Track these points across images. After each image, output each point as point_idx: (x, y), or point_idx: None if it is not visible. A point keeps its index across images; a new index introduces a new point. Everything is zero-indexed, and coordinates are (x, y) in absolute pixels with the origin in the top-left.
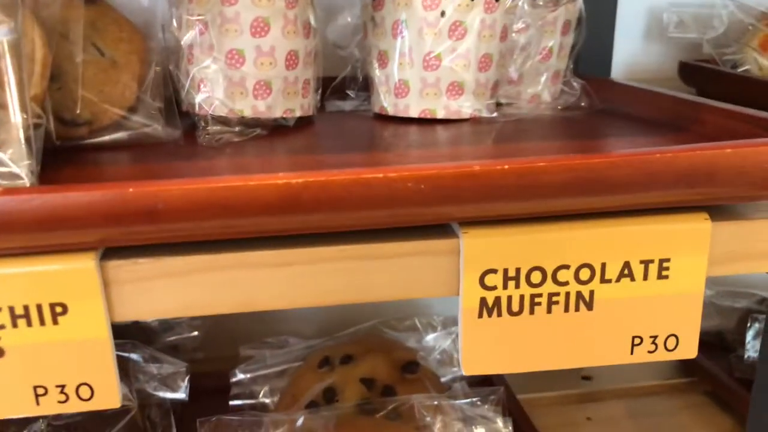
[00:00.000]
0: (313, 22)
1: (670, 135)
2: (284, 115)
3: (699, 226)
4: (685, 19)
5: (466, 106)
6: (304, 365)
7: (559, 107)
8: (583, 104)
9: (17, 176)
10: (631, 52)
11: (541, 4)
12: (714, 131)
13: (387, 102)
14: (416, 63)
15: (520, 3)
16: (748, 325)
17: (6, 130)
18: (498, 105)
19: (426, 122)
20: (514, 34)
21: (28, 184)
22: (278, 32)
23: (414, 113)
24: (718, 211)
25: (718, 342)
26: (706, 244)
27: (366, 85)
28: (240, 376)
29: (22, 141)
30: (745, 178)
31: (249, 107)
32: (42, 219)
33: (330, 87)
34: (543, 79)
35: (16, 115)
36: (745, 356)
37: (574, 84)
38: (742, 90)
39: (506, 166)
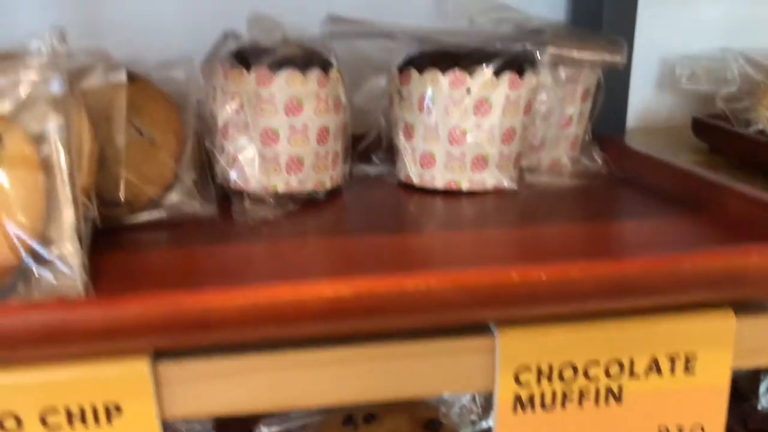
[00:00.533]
0: (343, 98)
1: (692, 216)
2: (315, 189)
3: (724, 322)
4: (698, 71)
5: (489, 179)
6: (327, 422)
7: (578, 176)
8: (601, 171)
9: (70, 276)
10: (645, 101)
11: (563, 76)
12: (736, 217)
13: (413, 172)
14: (442, 137)
15: (542, 77)
16: (762, 377)
17: (57, 227)
18: (519, 169)
19: (451, 193)
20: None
21: (80, 285)
22: (311, 111)
23: (439, 185)
24: (743, 306)
25: (731, 391)
26: (731, 339)
27: (390, 150)
28: (264, 430)
29: (74, 238)
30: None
31: (282, 183)
32: (97, 330)
33: (356, 149)
34: (563, 145)
35: (67, 212)
36: (759, 407)
37: (594, 153)
38: (755, 151)
39: (543, 276)
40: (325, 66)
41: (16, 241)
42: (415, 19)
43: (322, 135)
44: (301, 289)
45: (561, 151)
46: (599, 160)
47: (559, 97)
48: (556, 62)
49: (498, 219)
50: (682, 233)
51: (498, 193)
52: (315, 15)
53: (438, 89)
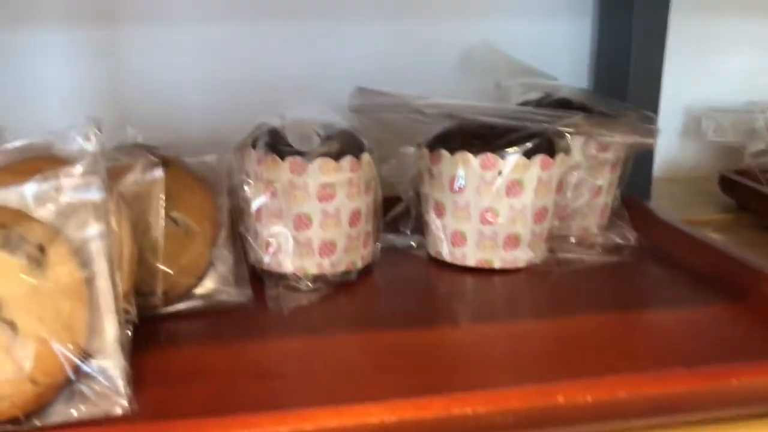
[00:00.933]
0: (374, 180)
1: (732, 306)
2: (347, 269)
3: None
4: (724, 124)
5: (522, 257)
6: None
7: (608, 251)
8: (631, 243)
9: (114, 391)
10: (671, 151)
11: (594, 151)
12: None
13: (444, 249)
14: (473, 217)
15: (574, 155)
16: None
17: (100, 339)
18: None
19: (482, 271)
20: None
21: (124, 400)
22: (343, 196)
23: (471, 262)
24: None
25: None
26: None
27: (419, 221)
28: None
29: (117, 351)
30: None
31: (314, 265)
32: None
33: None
34: (592, 214)
35: (109, 324)
36: None
37: (623, 224)
38: None
39: (589, 398)
40: (357, 150)
41: (61, 357)
42: (442, 82)
43: (354, 218)
44: (346, 413)
45: (590, 220)
46: (629, 235)
47: (590, 171)
48: (587, 141)
49: (532, 305)
50: (723, 329)
51: (530, 270)
52: (340, 82)
53: (469, 170)
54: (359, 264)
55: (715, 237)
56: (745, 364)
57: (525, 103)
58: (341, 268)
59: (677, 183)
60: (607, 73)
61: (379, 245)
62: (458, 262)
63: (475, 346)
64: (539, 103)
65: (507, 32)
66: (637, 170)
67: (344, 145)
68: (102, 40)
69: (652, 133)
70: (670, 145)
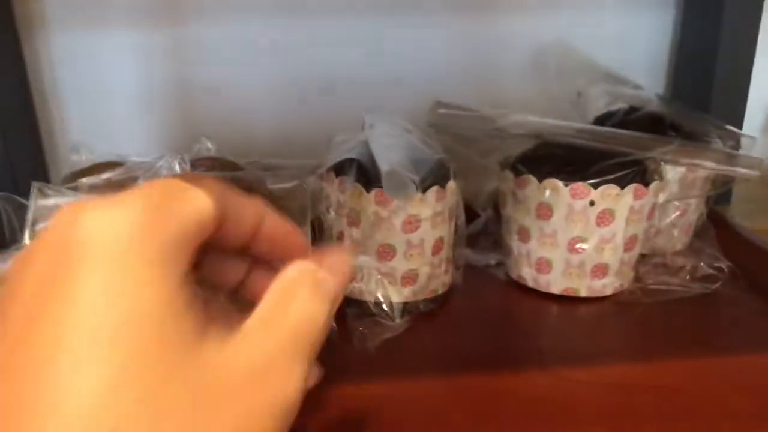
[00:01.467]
0: (458, 205)
1: None
2: (428, 297)
3: None
4: None
5: (609, 285)
6: None
7: (694, 277)
8: (718, 266)
9: None
10: (751, 150)
11: (685, 170)
12: None
13: (527, 275)
14: (561, 245)
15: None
16: None
17: None
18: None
19: (567, 298)
20: None
21: None
22: (428, 226)
23: (555, 290)
24: None
25: None
26: None
27: (498, 241)
28: None
29: None
30: None
31: (398, 294)
32: None
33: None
34: (677, 232)
35: None
36: None
37: (709, 245)
38: None
39: None
40: (443, 180)
41: None
42: (514, 82)
43: (438, 246)
44: None
45: (675, 239)
46: (718, 260)
47: (680, 190)
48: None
49: (621, 342)
50: None
51: (616, 299)
52: (411, 81)
53: (558, 198)
54: (441, 290)
55: None
56: None
57: (609, 115)
58: (423, 296)
59: (759, 185)
60: (689, 74)
61: (460, 270)
62: (542, 288)
63: (565, 393)
64: (626, 119)
65: (580, 26)
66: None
67: (430, 172)
68: (169, 42)
69: (756, 165)
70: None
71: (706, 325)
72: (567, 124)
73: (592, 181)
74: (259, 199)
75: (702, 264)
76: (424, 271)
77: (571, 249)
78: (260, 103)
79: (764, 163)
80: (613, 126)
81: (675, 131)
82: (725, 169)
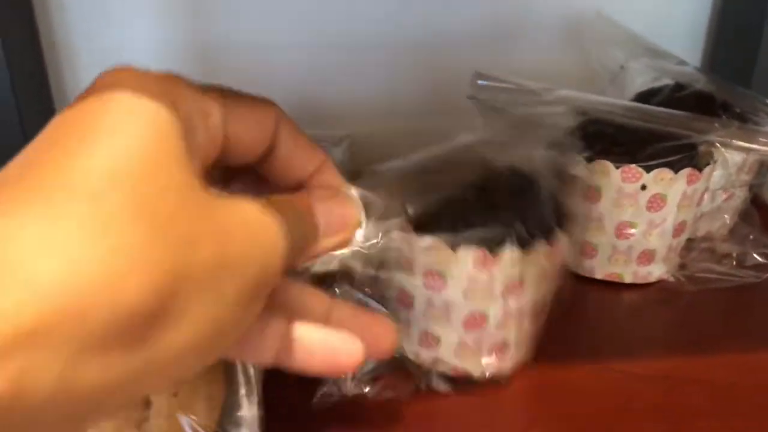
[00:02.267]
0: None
1: None
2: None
3: None
4: None
5: (654, 272)
6: None
7: (741, 264)
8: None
9: None
10: None
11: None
12: None
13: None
14: (608, 230)
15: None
16: None
17: (234, 415)
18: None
19: (610, 284)
20: None
21: None
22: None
23: (599, 276)
24: None
25: None
26: None
27: None
28: None
29: (254, 425)
30: None
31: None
32: None
33: None
34: (722, 216)
35: (246, 398)
36: None
37: (755, 232)
38: None
39: None
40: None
41: None
42: (552, 62)
43: None
44: None
45: (719, 222)
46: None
47: (729, 173)
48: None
49: (669, 335)
50: None
51: (660, 287)
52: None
53: (608, 181)
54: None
55: None
56: None
57: (654, 92)
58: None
59: None
60: (731, 47)
61: None
62: (585, 273)
63: (608, 384)
64: (673, 97)
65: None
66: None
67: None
68: (189, 2)
69: None
70: None
71: (755, 316)
72: (615, 101)
73: (644, 164)
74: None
75: (750, 251)
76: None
77: (619, 234)
78: (283, 69)
79: None
80: (659, 104)
81: (725, 111)
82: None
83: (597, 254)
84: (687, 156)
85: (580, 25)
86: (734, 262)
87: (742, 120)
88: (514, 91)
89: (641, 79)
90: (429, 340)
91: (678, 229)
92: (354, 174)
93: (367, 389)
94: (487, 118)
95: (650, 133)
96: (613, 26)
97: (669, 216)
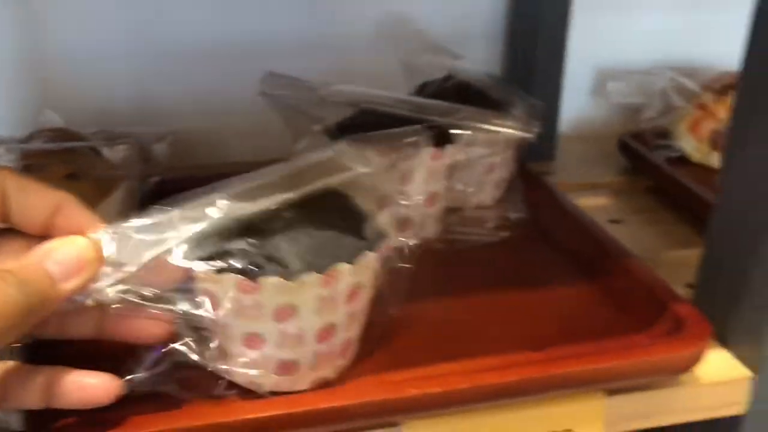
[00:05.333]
0: None
1: (590, 285)
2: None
3: (595, 402)
4: (628, 86)
5: (413, 237)
6: None
7: (499, 227)
8: (523, 219)
9: None
10: (581, 109)
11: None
12: (625, 293)
13: None
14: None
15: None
16: None
17: None
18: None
19: None
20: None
21: None
22: None
23: None
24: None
25: None
26: (601, 414)
27: None
28: None
29: None
30: (637, 378)
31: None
32: None
33: None
34: (488, 188)
35: None
36: None
37: (517, 198)
38: (663, 181)
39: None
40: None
41: None
42: (368, 63)
43: None
44: None
45: (486, 194)
46: (519, 211)
47: (484, 148)
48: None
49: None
50: (583, 312)
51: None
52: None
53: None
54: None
55: (606, 201)
56: (567, 361)
57: (426, 84)
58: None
59: (585, 142)
60: (519, 35)
61: None
62: None
63: None
64: (440, 86)
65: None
66: (543, 131)
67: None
68: (20, 9)
69: (532, 129)
70: (581, 105)
71: (489, 269)
72: (383, 93)
73: (392, 144)
74: (61, 191)
75: (503, 215)
76: None
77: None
78: (119, 75)
79: (538, 125)
80: (428, 94)
81: (481, 98)
82: (504, 131)
83: None
84: (429, 136)
85: (383, 28)
86: (491, 225)
87: (495, 106)
88: (299, 87)
89: (424, 73)
90: (223, 354)
91: (430, 199)
92: None
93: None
94: (278, 114)
95: (404, 119)
96: (406, 28)
97: (418, 189)
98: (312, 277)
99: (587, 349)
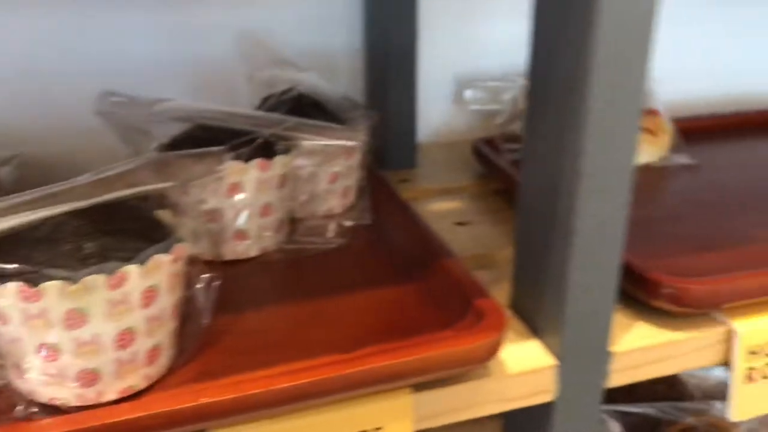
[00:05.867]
0: None
1: (420, 285)
2: None
3: (403, 398)
4: (485, 93)
5: (251, 248)
6: None
7: (341, 234)
8: (367, 225)
9: None
10: (442, 117)
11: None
12: (440, 292)
13: None
14: (201, 216)
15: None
16: None
17: None
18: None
19: (214, 263)
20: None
21: None
22: None
23: (208, 257)
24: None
25: None
26: (410, 410)
27: None
28: None
29: None
30: (438, 371)
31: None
32: None
33: None
34: (333, 197)
35: None
36: None
37: (363, 205)
38: (511, 179)
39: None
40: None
41: None
42: (226, 81)
43: None
44: None
45: (333, 203)
46: (364, 217)
47: (324, 159)
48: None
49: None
50: (402, 309)
51: (260, 260)
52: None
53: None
54: None
55: (459, 205)
56: (363, 361)
57: (268, 98)
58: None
59: (446, 149)
60: (374, 51)
61: None
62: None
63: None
64: (279, 99)
65: (282, 17)
66: (401, 139)
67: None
68: None
69: (356, 137)
70: (443, 113)
71: (322, 274)
72: (217, 108)
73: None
74: None
75: (346, 222)
76: None
77: (211, 219)
78: None
79: (364, 134)
80: (268, 108)
81: (317, 110)
82: (330, 142)
83: (198, 239)
84: (258, 148)
85: (238, 46)
86: (333, 234)
87: (333, 118)
88: (134, 105)
89: (267, 87)
90: (20, 371)
91: (264, 210)
92: None
93: None
94: (114, 133)
95: (235, 132)
96: (257, 44)
97: (250, 200)
98: (97, 279)
99: (392, 347)
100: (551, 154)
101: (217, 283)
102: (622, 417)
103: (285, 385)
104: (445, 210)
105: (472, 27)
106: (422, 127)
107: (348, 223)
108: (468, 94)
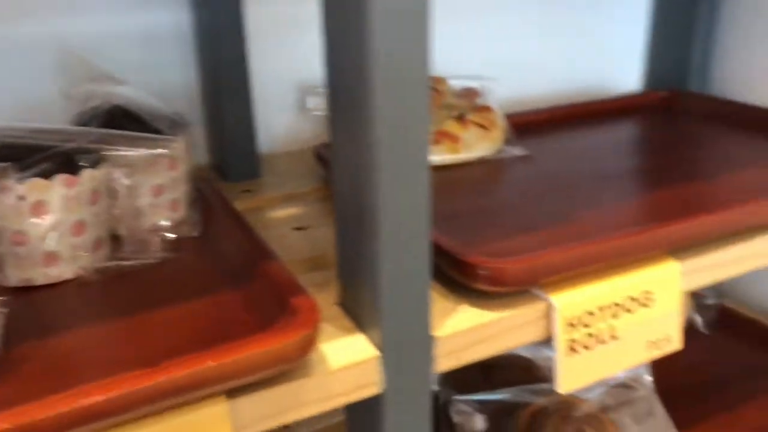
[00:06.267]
0: None
1: (237, 294)
2: None
3: (217, 406)
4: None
5: (65, 271)
6: None
7: (168, 248)
8: (197, 236)
9: None
10: (290, 125)
11: (143, 152)
12: (267, 296)
13: None
14: (5, 240)
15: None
16: None
17: None
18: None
19: (27, 289)
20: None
21: None
22: None
23: (14, 283)
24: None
25: None
26: (227, 418)
27: None
28: None
29: None
30: (248, 374)
31: None
32: None
33: None
34: (161, 211)
35: None
36: None
37: (193, 216)
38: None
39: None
40: None
41: None
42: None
43: None
44: None
45: (160, 217)
46: (191, 229)
47: (143, 172)
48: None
49: (83, 319)
50: (216, 321)
51: (77, 282)
52: None
53: None
54: None
55: (301, 210)
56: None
57: (82, 113)
58: None
59: (293, 157)
60: (206, 58)
61: None
62: (3, 284)
63: None
64: (93, 112)
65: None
66: (241, 151)
67: None
68: None
69: (170, 146)
70: (289, 122)
71: (143, 289)
72: (18, 125)
73: (17, 176)
74: None
75: (170, 236)
76: None
77: (15, 243)
78: None
79: (181, 144)
80: (82, 122)
81: (134, 121)
82: (139, 152)
83: (7, 264)
84: (61, 163)
85: (57, 63)
86: (158, 248)
87: (151, 129)
88: None
89: (85, 102)
90: None
91: (76, 229)
92: None
93: None
94: None
95: (37, 148)
96: (75, 59)
97: (58, 219)
98: None
99: (199, 355)
100: (353, 154)
101: (3, 311)
102: (481, 406)
103: (74, 406)
104: (285, 216)
105: (307, 35)
106: (265, 137)
107: (173, 236)
108: (311, 101)
